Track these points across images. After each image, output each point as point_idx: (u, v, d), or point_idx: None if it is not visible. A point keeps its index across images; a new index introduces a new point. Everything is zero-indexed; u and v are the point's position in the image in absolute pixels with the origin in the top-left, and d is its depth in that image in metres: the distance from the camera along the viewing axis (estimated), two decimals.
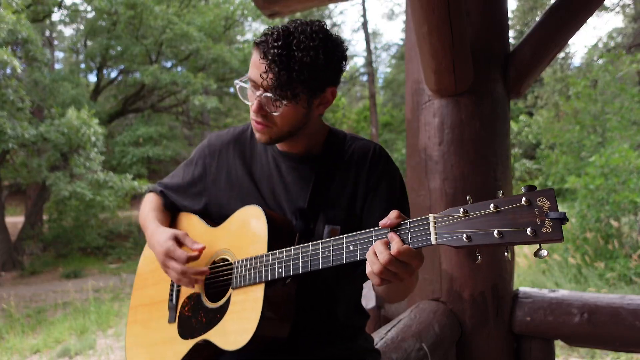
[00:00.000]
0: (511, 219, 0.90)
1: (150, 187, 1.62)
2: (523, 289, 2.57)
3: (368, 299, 2.95)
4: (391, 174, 1.39)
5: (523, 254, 7.65)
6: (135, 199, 19.60)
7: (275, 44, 1.19)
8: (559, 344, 3.89)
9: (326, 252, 1.15)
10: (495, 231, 0.91)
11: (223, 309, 1.31)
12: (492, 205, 0.93)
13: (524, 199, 0.90)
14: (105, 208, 15.39)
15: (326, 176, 1.37)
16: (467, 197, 0.98)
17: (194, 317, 1.37)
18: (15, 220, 17.99)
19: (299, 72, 1.18)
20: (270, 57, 1.19)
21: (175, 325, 1.41)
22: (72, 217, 16.24)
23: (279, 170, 1.41)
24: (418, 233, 1.02)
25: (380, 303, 2.99)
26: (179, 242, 1.36)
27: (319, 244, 1.17)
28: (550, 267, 6.78)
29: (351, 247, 1.12)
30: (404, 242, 1.03)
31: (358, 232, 1.12)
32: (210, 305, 1.36)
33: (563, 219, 0.86)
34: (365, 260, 1.08)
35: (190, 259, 1.32)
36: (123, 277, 11.63)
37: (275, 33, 1.21)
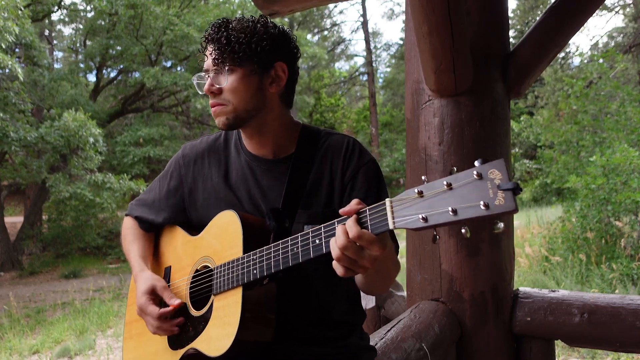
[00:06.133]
0: (464, 194, 0.87)
1: (128, 209, 1.63)
2: (523, 289, 2.56)
3: (368, 299, 2.95)
4: (367, 165, 1.38)
5: (525, 253, 7.64)
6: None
7: (214, 26, 1.33)
8: (559, 344, 3.89)
9: (295, 249, 1.14)
10: (450, 209, 0.87)
11: (207, 316, 1.32)
12: (444, 182, 0.90)
13: (474, 172, 0.86)
14: (105, 208, 15.41)
15: (301, 174, 1.36)
16: (423, 178, 0.96)
17: (182, 327, 1.38)
18: (14, 220, 18.02)
19: (237, 37, 1.29)
20: (211, 35, 1.32)
21: (165, 337, 1.42)
22: (71, 217, 16.22)
23: (254, 174, 1.41)
24: (377, 219, 0.99)
25: (380, 303, 2.99)
26: (156, 295, 1.38)
27: (288, 241, 1.16)
28: (552, 267, 6.77)
29: (317, 241, 1.09)
30: (362, 226, 1.00)
31: (323, 225, 1.09)
32: (195, 313, 1.36)
33: (515, 189, 0.82)
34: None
35: (162, 315, 1.33)
36: (122, 277, 11.62)
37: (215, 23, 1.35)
